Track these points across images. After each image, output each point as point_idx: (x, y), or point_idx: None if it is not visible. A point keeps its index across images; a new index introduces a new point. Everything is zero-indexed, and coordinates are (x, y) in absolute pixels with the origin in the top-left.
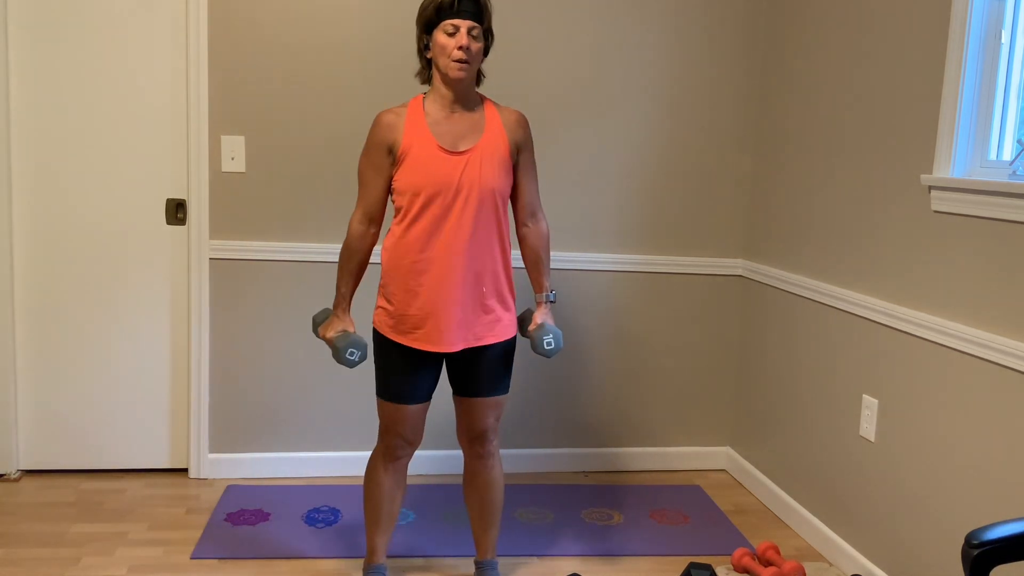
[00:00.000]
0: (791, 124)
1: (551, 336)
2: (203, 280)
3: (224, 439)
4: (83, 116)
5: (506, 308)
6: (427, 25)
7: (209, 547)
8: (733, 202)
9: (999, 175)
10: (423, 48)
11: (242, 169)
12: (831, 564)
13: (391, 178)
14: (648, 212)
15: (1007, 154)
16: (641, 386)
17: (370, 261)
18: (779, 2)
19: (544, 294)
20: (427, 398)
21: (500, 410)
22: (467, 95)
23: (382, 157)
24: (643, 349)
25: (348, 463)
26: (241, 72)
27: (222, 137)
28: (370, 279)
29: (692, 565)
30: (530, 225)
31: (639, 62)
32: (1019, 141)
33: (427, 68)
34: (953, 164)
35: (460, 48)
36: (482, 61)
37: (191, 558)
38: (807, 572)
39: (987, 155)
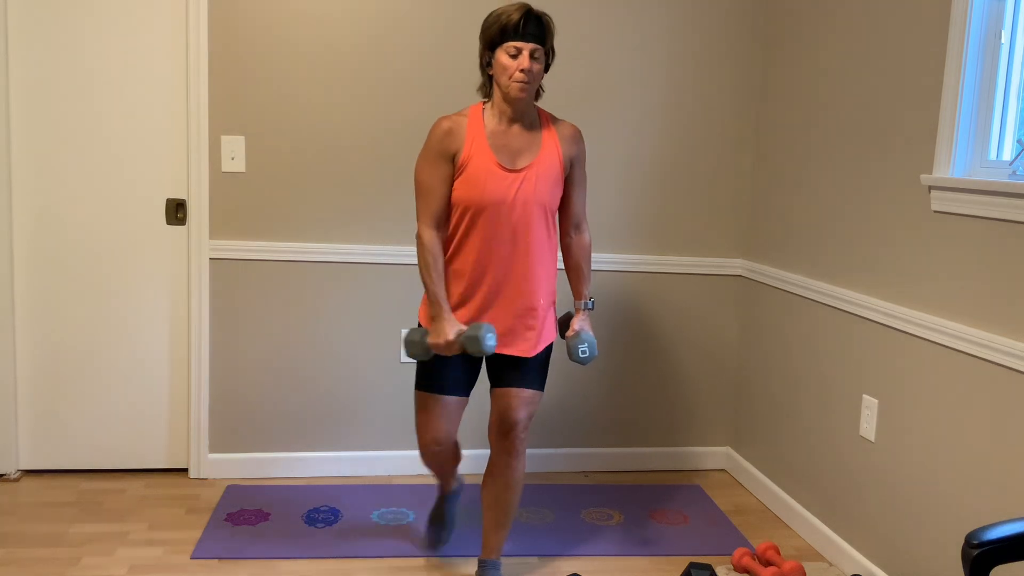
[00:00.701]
0: (791, 124)
1: (586, 344)
2: (203, 280)
3: (224, 439)
4: (83, 116)
5: (548, 316)
6: (490, 43)
7: (209, 547)
8: (733, 202)
9: (999, 175)
10: (485, 64)
11: (242, 169)
12: (831, 564)
13: (452, 182)
14: (648, 212)
15: (1007, 154)
16: (641, 386)
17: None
18: (779, 2)
19: (583, 301)
20: (465, 392)
21: (533, 407)
22: (526, 111)
23: (445, 166)
24: (643, 349)
25: (348, 463)
26: (241, 72)
27: (222, 137)
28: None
29: (692, 565)
30: (573, 236)
31: (639, 62)
32: (1019, 141)
33: (488, 83)
34: (953, 164)
35: (522, 71)
36: (542, 78)
37: (191, 558)
38: (807, 572)
39: (987, 155)
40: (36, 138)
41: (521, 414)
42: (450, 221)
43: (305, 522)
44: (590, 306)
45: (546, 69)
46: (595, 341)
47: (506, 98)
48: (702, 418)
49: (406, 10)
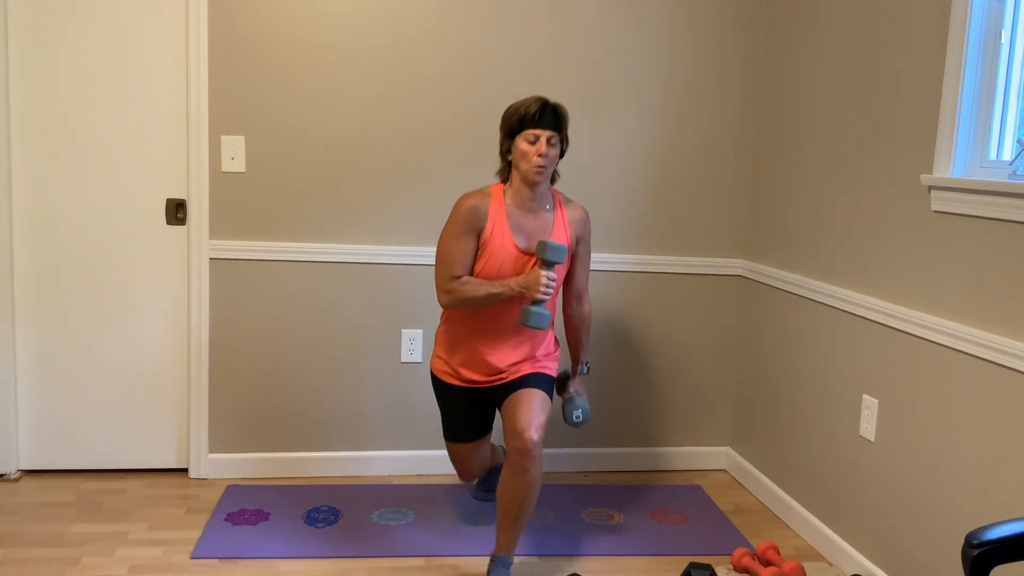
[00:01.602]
0: (791, 124)
1: (580, 411)
2: (203, 280)
3: (224, 439)
4: (83, 116)
5: (551, 356)
6: (510, 132)
7: (209, 547)
8: (733, 202)
9: (999, 175)
10: (505, 151)
11: (242, 169)
12: (831, 564)
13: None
14: (648, 212)
15: (1007, 154)
16: (641, 386)
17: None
18: (779, 2)
19: (580, 366)
20: (485, 433)
21: (547, 407)
22: (542, 193)
23: (471, 240)
24: (643, 349)
25: (348, 463)
26: (241, 72)
27: (222, 137)
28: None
29: (692, 565)
30: (575, 307)
31: (639, 62)
32: (1019, 141)
33: (507, 168)
34: (953, 164)
35: (540, 155)
36: (557, 163)
37: (191, 558)
38: (807, 572)
39: (987, 155)
40: (36, 138)
41: (535, 410)
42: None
43: (305, 522)
44: (585, 371)
45: (561, 155)
46: (588, 408)
47: (525, 181)
48: (702, 418)
49: (406, 10)
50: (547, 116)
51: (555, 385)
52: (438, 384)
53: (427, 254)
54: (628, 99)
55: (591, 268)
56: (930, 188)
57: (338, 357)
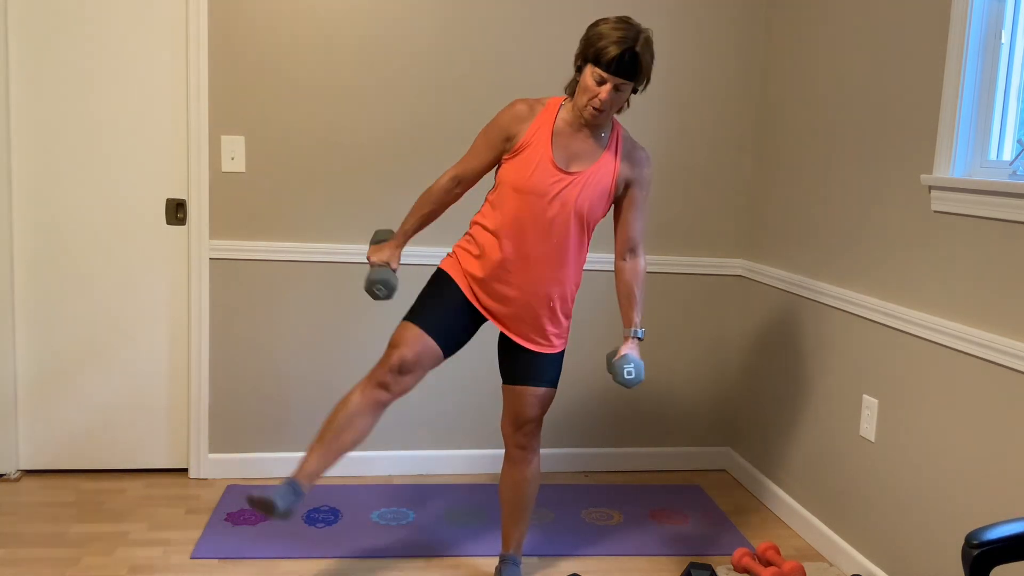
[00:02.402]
0: (791, 124)
1: (632, 366)
2: (203, 280)
3: (224, 439)
4: (83, 116)
5: (562, 325)
6: (585, 56)
7: (209, 547)
8: (733, 202)
9: (999, 175)
10: (577, 67)
11: (242, 169)
12: (831, 564)
13: (498, 159)
14: (648, 212)
15: (1007, 154)
16: (641, 386)
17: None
18: (780, 2)
19: (633, 329)
20: (443, 341)
21: (546, 404)
22: (602, 123)
23: (499, 139)
24: (643, 349)
25: (348, 463)
26: (241, 72)
27: (222, 137)
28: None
29: (692, 565)
30: (628, 259)
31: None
32: (1019, 141)
33: (575, 83)
34: (953, 164)
35: (600, 99)
36: (623, 103)
37: (191, 558)
38: (807, 572)
39: (987, 155)
40: (36, 138)
41: (533, 412)
42: (488, 196)
43: (305, 522)
44: (640, 335)
45: (636, 91)
46: (643, 365)
47: (579, 113)
48: (702, 418)
49: (406, 10)
50: (623, 66)
51: (607, 361)
52: (440, 275)
53: (427, 254)
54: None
55: (592, 267)
56: (930, 188)
57: (338, 357)
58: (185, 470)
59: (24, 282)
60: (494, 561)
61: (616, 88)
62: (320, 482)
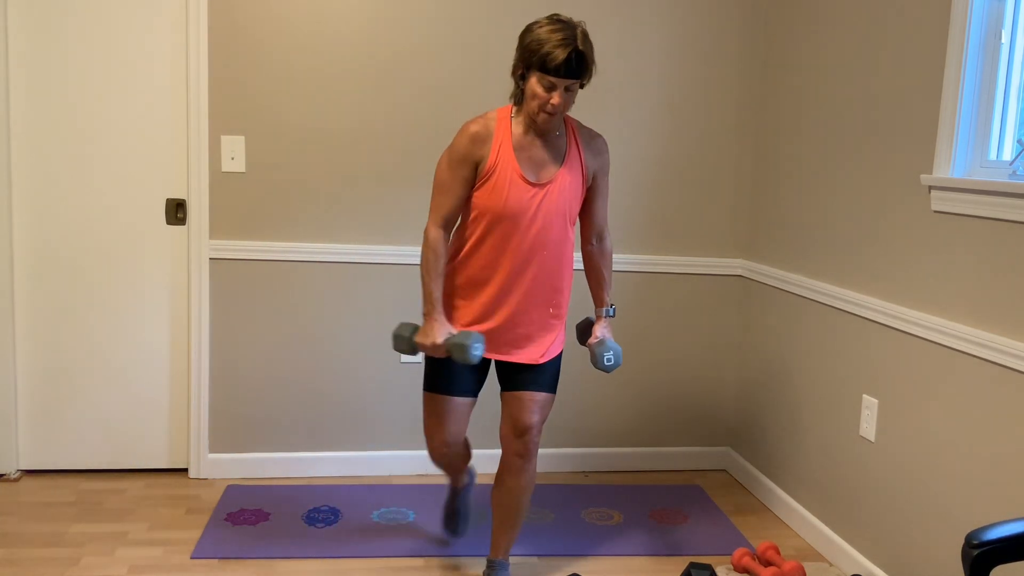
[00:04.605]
0: (791, 124)
1: (611, 352)
2: (203, 280)
3: (224, 439)
4: (83, 116)
5: (560, 326)
6: (527, 63)
7: (209, 547)
8: (733, 202)
9: (999, 175)
10: (519, 76)
11: (242, 169)
12: (831, 564)
13: (472, 188)
14: (648, 212)
15: (1007, 154)
16: (641, 386)
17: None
18: (779, 2)
19: (604, 308)
20: (473, 393)
21: (546, 410)
22: (554, 123)
23: (468, 170)
24: (643, 349)
25: (348, 463)
26: (241, 72)
27: (222, 137)
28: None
29: (692, 565)
30: (595, 244)
31: (639, 62)
32: (1019, 141)
33: (520, 92)
34: (953, 164)
35: (553, 104)
36: (574, 100)
37: (191, 558)
38: (807, 572)
39: (987, 155)
40: (36, 138)
41: (534, 418)
42: (462, 222)
43: (305, 522)
44: (611, 313)
45: (581, 86)
46: (620, 350)
47: (530, 121)
48: (702, 418)
49: (406, 10)
50: (571, 68)
51: (577, 331)
52: None
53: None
54: (628, 99)
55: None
56: (930, 188)
57: (338, 357)
58: (185, 470)
59: (24, 282)
60: None
61: (567, 89)
62: (320, 482)
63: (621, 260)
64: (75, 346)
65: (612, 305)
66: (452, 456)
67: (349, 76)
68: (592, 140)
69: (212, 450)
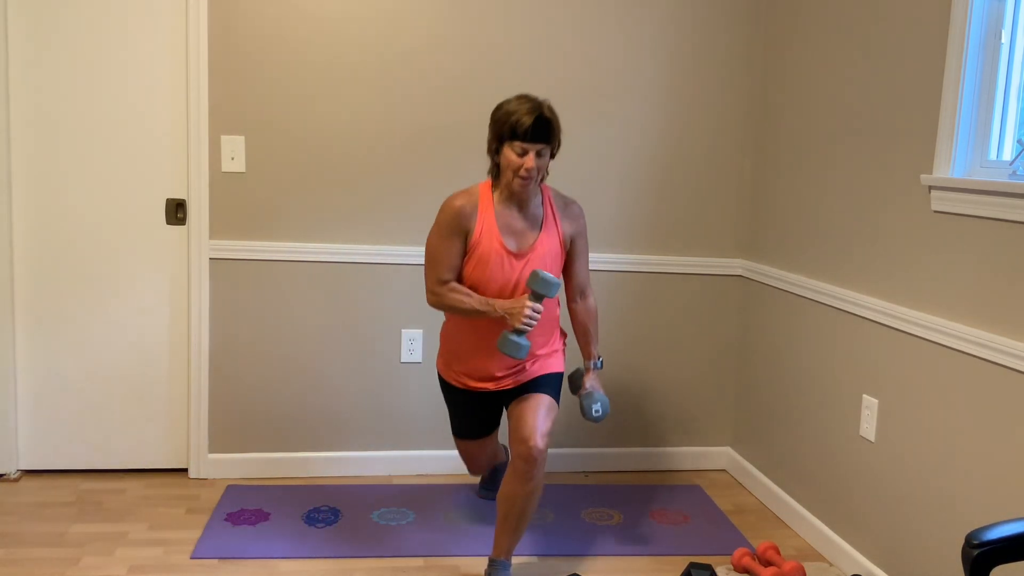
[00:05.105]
0: (791, 124)
1: (599, 404)
2: (203, 280)
3: (224, 439)
4: (83, 116)
5: (556, 352)
6: (499, 136)
7: (209, 547)
8: (733, 202)
9: (999, 175)
10: (493, 151)
11: (242, 169)
12: (831, 564)
13: (464, 258)
14: (648, 212)
15: (1007, 154)
16: (641, 386)
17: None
18: (779, 2)
19: (592, 361)
20: (493, 429)
21: (551, 414)
22: (532, 192)
23: (459, 242)
24: (643, 349)
25: (349, 463)
26: (241, 72)
27: (222, 137)
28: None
29: (692, 565)
30: (579, 301)
31: (639, 63)
32: (1019, 141)
33: (496, 167)
34: (953, 164)
35: (527, 169)
36: (546, 168)
37: (191, 558)
38: (807, 572)
39: (987, 155)
40: (36, 138)
41: (540, 416)
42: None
43: (305, 522)
44: (599, 365)
45: (552, 156)
46: (607, 401)
47: (509, 189)
48: (702, 418)
49: (405, 10)
50: (540, 131)
51: (569, 381)
52: (445, 385)
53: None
54: (628, 99)
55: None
56: (930, 188)
57: (338, 357)
58: (185, 470)
59: (24, 282)
60: None
61: (538, 154)
62: (320, 482)
63: (621, 260)
64: (75, 346)
65: (600, 358)
66: (489, 466)
67: (349, 76)
68: (567, 207)
69: (212, 450)
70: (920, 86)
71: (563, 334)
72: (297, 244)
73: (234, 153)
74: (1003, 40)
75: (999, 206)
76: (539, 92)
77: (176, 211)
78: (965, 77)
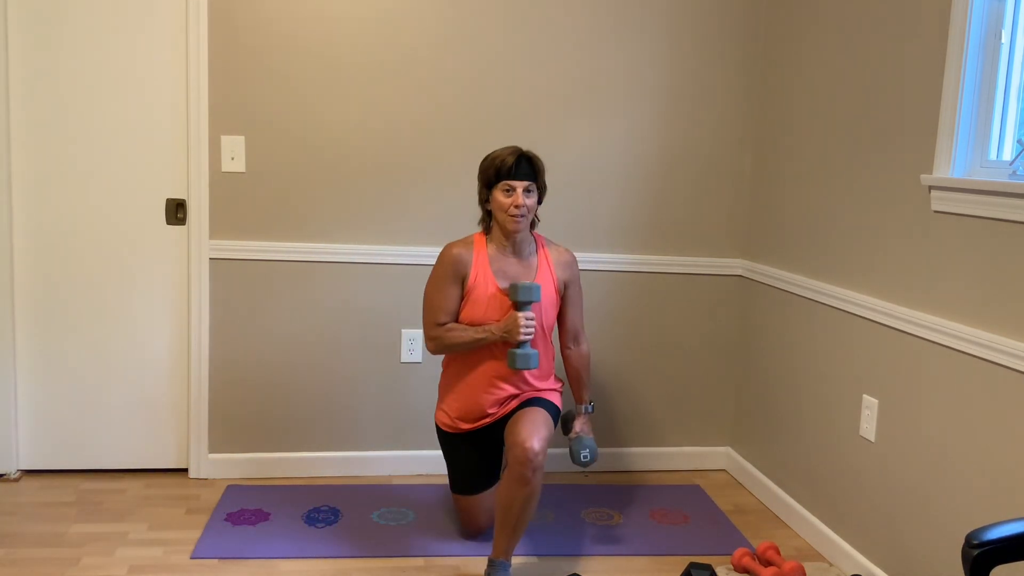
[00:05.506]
0: (791, 124)
1: (587, 450)
2: (203, 280)
3: (224, 439)
4: (83, 116)
5: (552, 391)
6: (487, 183)
7: (209, 547)
8: (733, 202)
9: (999, 175)
10: (484, 201)
11: (242, 169)
12: (831, 564)
13: (461, 303)
14: (648, 212)
15: (1007, 154)
16: (641, 386)
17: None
18: (779, 2)
19: (583, 405)
20: (493, 483)
21: (549, 427)
22: (524, 239)
23: (456, 288)
24: (643, 349)
25: (348, 463)
26: (241, 72)
27: (222, 137)
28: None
29: (692, 565)
30: (572, 348)
31: (639, 62)
32: (1019, 141)
33: (488, 217)
34: (953, 164)
35: (517, 206)
36: (536, 210)
37: (191, 558)
38: (807, 572)
39: (987, 155)
40: (36, 138)
41: (538, 424)
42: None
43: (305, 522)
44: (590, 410)
45: (539, 201)
46: (596, 446)
47: (504, 231)
48: (702, 418)
49: (406, 10)
50: (523, 168)
51: (560, 423)
52: (444, 436)
53: (427, 254)
54: (628, 99)
55: (591, 267)
56: (930, 188)
57: (338, 357)
58: (185, 470)
59: (24, 282)
60: None
61: (527, 191)
62: (320, 482)
63: (621, 260)
64: (75, 346)
65: (591, 403)
66: (487, 526)
67: (349, 76)
68: (561, 255)
69: (212, 450)
70: (920, 86)
71: (559, 380)
72: (297, 244)
73: (234, 153)
74: (1003, 40)
75: (999, 206)
76: (539, 91)
77: (176, 211)
78: (965, 77)
